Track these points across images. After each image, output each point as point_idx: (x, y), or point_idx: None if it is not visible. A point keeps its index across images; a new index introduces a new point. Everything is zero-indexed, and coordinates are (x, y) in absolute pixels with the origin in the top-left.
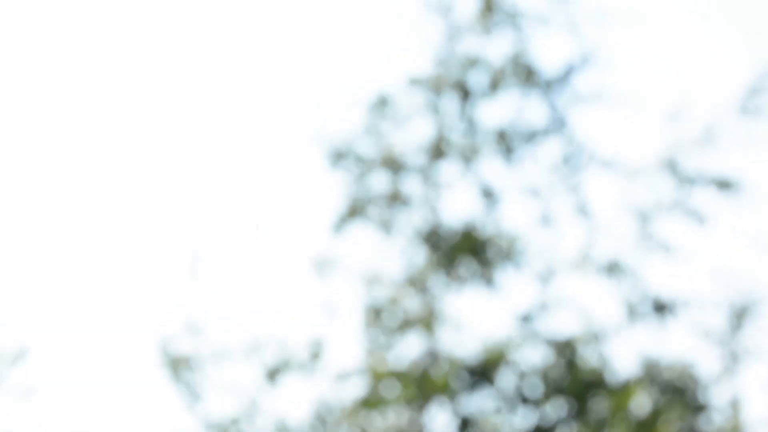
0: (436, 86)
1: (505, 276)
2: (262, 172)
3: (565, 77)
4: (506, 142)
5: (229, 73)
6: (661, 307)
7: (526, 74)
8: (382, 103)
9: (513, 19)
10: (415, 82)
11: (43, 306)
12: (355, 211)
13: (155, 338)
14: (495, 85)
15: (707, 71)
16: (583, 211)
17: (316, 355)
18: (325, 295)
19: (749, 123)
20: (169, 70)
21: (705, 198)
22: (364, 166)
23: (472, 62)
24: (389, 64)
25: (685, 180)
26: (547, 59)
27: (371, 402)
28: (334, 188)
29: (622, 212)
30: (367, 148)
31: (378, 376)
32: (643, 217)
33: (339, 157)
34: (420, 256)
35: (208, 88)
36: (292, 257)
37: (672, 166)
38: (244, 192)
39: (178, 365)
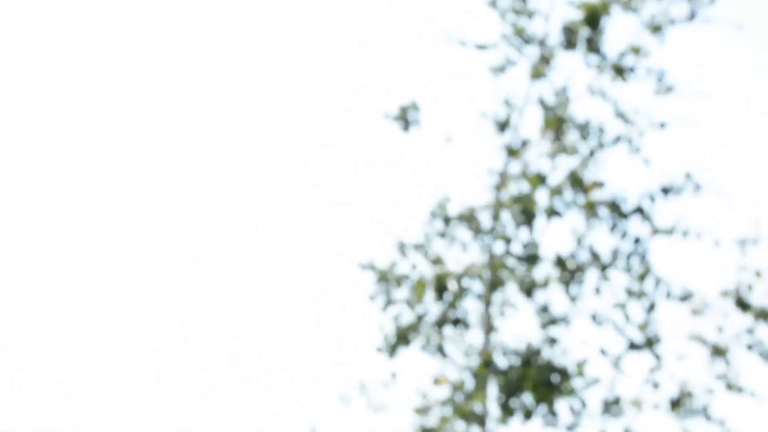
0: (496, 208)
1: (567, 407)
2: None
3: (643, 206)
4: (570, 270)
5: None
6: None
7: (596, 200)
8: (439, 224)
9: (583, 134)
10: (471, 211)
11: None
12: (406, 334)
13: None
14: (560, 206)
15: None
16: (652, 342)
17: None
18: (376, 421)
19: None
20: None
21: None
22: (419, 288)
23: (536, 181)
24: (449, 181)
25: (759, 314)
26: (615, 182)
27: None
28: (384, 311)
29: (693, 345)
30: (423, 270)
31: None
32: (715, 352)
33: (391, 279)
34: (474, 381)
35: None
36: (341, 381)
37: (744, 300)
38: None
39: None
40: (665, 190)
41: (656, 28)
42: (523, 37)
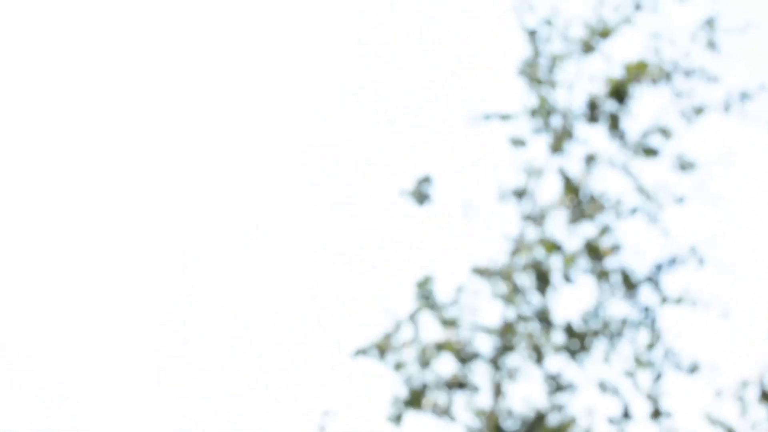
0: (508, 273)
1: None
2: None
3: (653, 275)
4: (580, 337)
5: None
6: None
7: (609, 269)
8: (450, 290)
9: (597, 204)
10: (487, 270)
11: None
12: (415, 398)
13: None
14: (572, 273)
15: None
16: (659, 413)
17: None
18: None
19: None
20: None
21: None
22: (428, 352)
23: (551, 248)
24: (463, 246)
25: None
26: (631, 252)
27: None
28: (391, 375)
29: (706, 425)
30: (432, 333)
31: None
32: None
33: (391, 347)
34: None
35: None
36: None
37: (764, 389)
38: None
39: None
40: (672, 261)
41: (685, 115)
42: (546, 108)
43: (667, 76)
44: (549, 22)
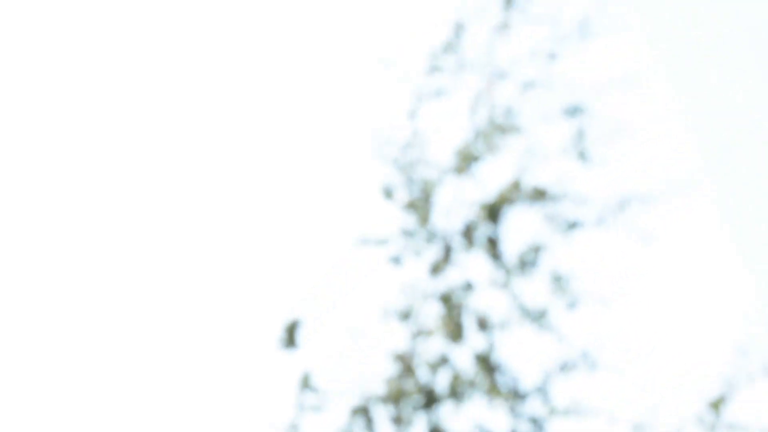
0: (396, 395)
1: None
2: None
3: (542, 385)
4: None
5: None
6: None
7: (498, 385)
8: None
9: (483, 326)
10: (372, 396)
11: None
12: None
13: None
14: (461, 391)
15: None
16: None
17: None
18: None
19: None
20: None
21: None
22: None
23: (437, 366)
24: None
25: None
26: (520, 362)
27: None
28: None
29: None
30: None
31: None
32: None
33: None
34: None
35: None
36: None
37: None
38: None
39: None
40: (563, 368)
41: (558, 229)
42: (424, 230)
43: (539, 195)
44: (411, 147)
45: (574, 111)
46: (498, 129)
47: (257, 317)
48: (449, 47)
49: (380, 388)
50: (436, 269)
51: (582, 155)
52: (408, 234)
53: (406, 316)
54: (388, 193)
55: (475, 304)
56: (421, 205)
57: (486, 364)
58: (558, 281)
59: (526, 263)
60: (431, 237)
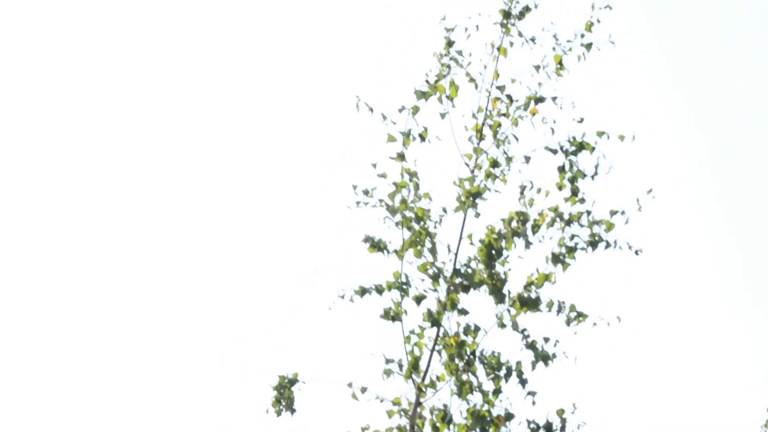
0: None
1: None
2: None
3: None
4: None
5: None
6: None
7: None
8: None
9: (489, 369)
10: None
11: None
12: None
13: None
14: None
15: None
16: None
17: None
18: None
19: None
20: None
21: None
22: None
23: (442, 416)
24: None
25: None
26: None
27: None
28: None
29: None
30: None
31: None
32: None
33: None
34: None
35: None
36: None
37: None
38: None
39: None
40: (547, 427)
41: (557, 259)
42: (427, 275)
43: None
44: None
45: (571, 144)
46: (497, 164)
47: (252, 377)
48: (446, 73)
49: None
50: (437, 317)
51: (574, 191)
52: (409, 279)
53: (413, 366)
54: (371, 243)
55: (482, 346)
56: (420, 248)
57: (483, 418)
58: (561, 309)
59: (529, 298)
60: (436, 278)
